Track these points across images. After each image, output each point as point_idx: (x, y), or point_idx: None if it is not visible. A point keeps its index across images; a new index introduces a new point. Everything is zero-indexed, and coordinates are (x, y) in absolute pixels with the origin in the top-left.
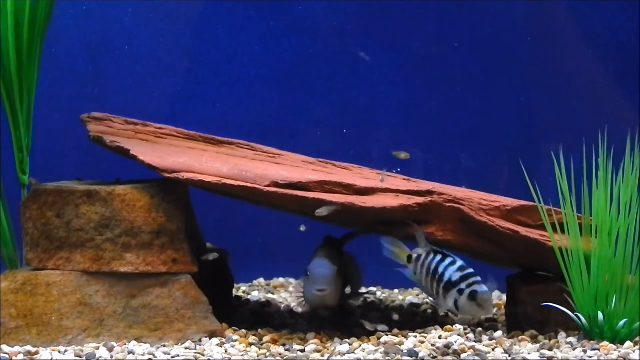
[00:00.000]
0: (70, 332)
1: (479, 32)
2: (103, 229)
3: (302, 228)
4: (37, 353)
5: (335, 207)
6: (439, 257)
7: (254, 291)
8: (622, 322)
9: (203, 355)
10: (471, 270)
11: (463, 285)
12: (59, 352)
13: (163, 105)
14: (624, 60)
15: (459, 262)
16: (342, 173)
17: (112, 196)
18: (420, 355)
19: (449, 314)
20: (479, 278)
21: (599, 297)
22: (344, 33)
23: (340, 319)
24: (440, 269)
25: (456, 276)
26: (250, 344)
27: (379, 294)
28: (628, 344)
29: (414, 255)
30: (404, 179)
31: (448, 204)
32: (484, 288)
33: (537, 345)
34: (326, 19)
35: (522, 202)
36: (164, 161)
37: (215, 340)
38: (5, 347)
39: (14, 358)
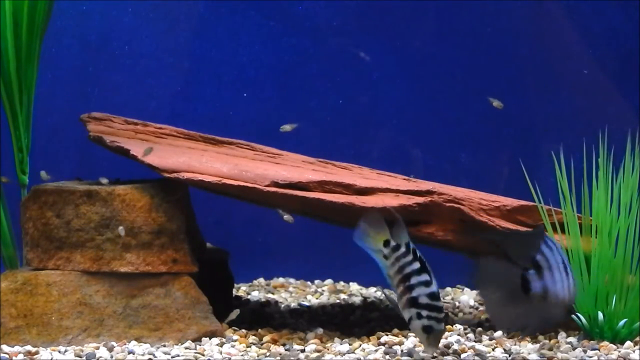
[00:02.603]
0: (70, 332)
1: (479, 32)
2: (103, 228)
3: None
4: (37, 353)
5: None
6: (409, 257)
7: (254, 291)
8: (622, 322)
9: (203, 355)
10: (439, 303)
11: (424, 312)
12: (59, 352)
13: (163, 105)
14: (623, 61)
15: (434, 286)
16: (342, 173)
17: (112, 196)
18: (420, 355)
19: None
20: (441, 315)
21: (599, 297)
22: (344, 33)
23: None
24: (413, 281)
25: (424, 300)
26: (251, 344)
27: (378, 293)
28: (628, 344)
29: (392, 244)
30: (404, 179)
31: (448, 204)
32: (441, 326)
33: (537, 345)
34: (326, 19)
35: (522, 202)
36: (164, 161)
37: (215, 340)
38: (5, 347)
39: (14, 358)
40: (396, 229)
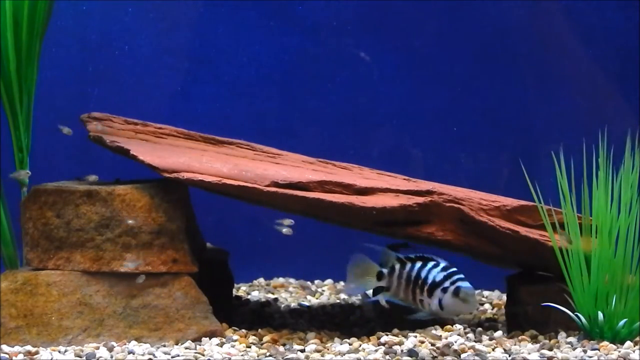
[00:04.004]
0: (70, 332)
1: (479, 32)
2: (103, 228)
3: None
4: (37, 353)
5: None
6: (418, 263)
7: (254, 291)
8: (622, 322)
9: (203, 355)
10: (454, 269)
11: (447, 284)
12: (59, 352)
13: (163, 105)
14: (623, 60)
15: (443, 263)
16: (342, 173)
17: (112, 196)
18: (420, 355)
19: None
20: (462, 275)
21: (599, 297)
22: (344, 33)
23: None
24: (423, 274)
25: (440, 276)
26: (251, 344)
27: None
28: (628, 344)
29: (386, 271)
30: (404, 179)
31: (448, 204)
32: (467, 284)
33: (537, 345)
34: (326, 19)
35: (522, 202)
36: (164, 161)
37: (215, 340)
38: (5, 347)
39: (14, 358)
40: (383, 257)
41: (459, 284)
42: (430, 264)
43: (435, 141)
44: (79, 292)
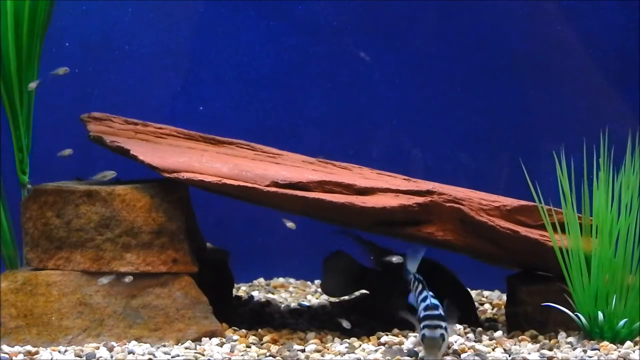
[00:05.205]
0: (70, 332)
1: (479, 32)
2: (103, 228)
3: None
4: (37, 353)
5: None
6: (420, 286)
7: (254, 291)
8: (622, 322)
9: (203, 355)
10: (434, 312)
11: (423, 324)
12: (59, 352)
13: (163, 105)
14: (623, 61)
15: (429, 299)
16: (342, 173)
17: (112, 196)
18: (420, 355)
19: None
20: (435, 322)
21: (599, 297)
22: (344, 33)
23: None
24: (419, 301)
25: (422, 314)
26: (251, 344)
27: None
28: (628, 344)
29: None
30: (404, 179)
31: (448, 204)
32: (432, 332)
33: (537, 345)
34: (326, 19)
35: (522, 202)
36: (164, 161)
37: (215, 340)
38: (5, 347)
39: (14, 358)
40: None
41: (425, 331)
42: (424, 293)
43: (435, 141)
44: (79, 292)
